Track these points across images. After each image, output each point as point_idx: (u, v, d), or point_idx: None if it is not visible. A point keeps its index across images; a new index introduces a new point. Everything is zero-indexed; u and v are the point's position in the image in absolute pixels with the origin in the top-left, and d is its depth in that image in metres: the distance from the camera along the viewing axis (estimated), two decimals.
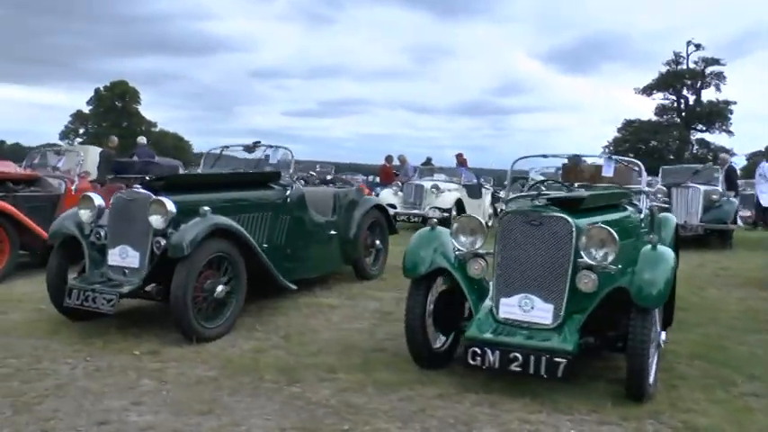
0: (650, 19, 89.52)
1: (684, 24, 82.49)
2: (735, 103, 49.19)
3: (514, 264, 4.13)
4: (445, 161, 19.11)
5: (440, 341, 4.46)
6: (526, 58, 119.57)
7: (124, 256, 4.98)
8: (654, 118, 52.84)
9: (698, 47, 50.25)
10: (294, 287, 5.72)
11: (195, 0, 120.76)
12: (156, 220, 4.80)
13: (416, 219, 13.01)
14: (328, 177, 7.37)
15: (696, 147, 50.67)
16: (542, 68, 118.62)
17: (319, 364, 4.35)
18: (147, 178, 5.92)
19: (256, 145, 6.57)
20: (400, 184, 14.35)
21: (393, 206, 13.38)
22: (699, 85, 51.06)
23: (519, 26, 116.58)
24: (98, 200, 5.20)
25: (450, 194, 13.42)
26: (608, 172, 5.80)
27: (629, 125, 53.59)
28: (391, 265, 7.83)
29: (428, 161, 19.08)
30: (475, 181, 14.78)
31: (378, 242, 7.48)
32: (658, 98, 52.82)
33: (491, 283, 4.20)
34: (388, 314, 5.79)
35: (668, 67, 51.61)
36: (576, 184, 5.93)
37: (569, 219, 4.05)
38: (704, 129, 51.24)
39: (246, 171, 6.56)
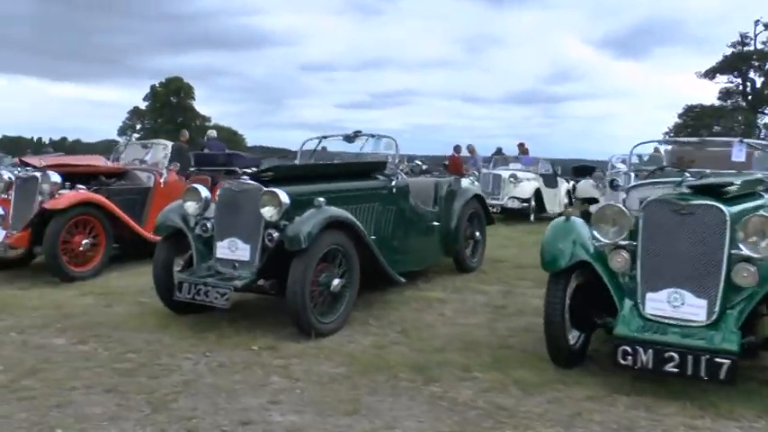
0: (705, 2, 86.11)
1: (741, 6, 78.84)
2: None
3: (661, 256, 3.81)
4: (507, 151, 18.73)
5: (572, 338, 4.19)
6: (579, 45, 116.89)
7: (233, 249, 4.85)
8: (717, 102, 50.89)
9: (767, 26, 48.10)
10: (403, 280, 5.52)
11: None
12: (269, 212, 4.65)
13: (495, 209, 12.69)
14: (424, 167, 7.13)
15: (764, 131, 48.58)
16: (595, 54, 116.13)
17: (450, 361, 4.13)
18: (253, 170, 5.77)
19: (357, 135, 6.38)
20: (477, 174, 14.06)
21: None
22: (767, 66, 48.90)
23: (571, 12, 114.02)
24: (204, 192, 5.08)
25: (528, 184, 13.06)
26: (739, 157, 5.39)
27: (690, 110, 51.74)
28: (488, 256, 7.60)
29: (498, 151, 18.70)
30: (550, 170, 14.36)
31: (477, 233, 7.22)
32: (722, 81, 50.80)
33: (635, 277, 3.90)
34: (501, 308, 5.55)
35: (733, 49, 49.54)
36: (688, 171, 5.50)
37: (723, 207, 3.72)
38: None
39: (353, 161, 6.38)
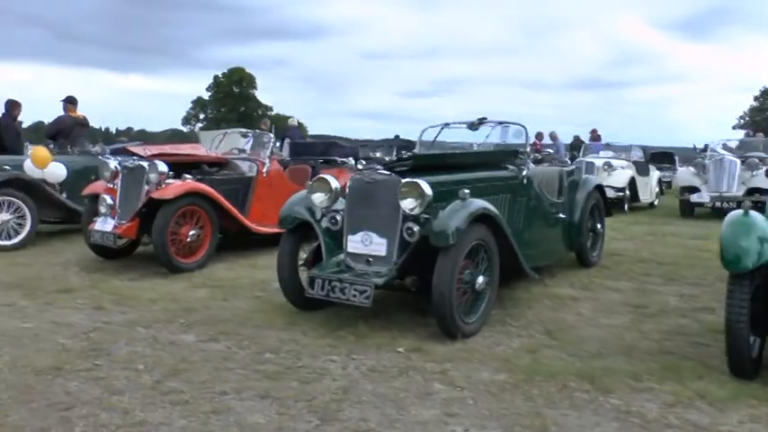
0: None
1: None
2: None
3: None
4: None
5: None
6: (644, 26, 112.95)
7: (367, 243, 4.57)
8: None
9: None
10: (537, 276, 5.17)
11: None
12: (410, 204, 4.35)
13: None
14: (539, 156, 6.73)
15: None
16: (660, 37, 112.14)
17: (615, 369, 3.76)
18: (388, 159, 5.48)
19: (482, 121, 6.01)
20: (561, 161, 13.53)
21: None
22: None
23: None
24: (334, 183, 4.82)
25: (623, 172, 12.47)
26: None
27: (767, 93, 49.55)
28: (604, 250, 7.17)
29: (577, 138, 18.08)
30: (642, 157, 13.71)
31: (598, 226, 6.80)
32: None
33: None
34: (642, 308, 5.14)
35: None
36: None
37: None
38: None
39: (486, 150, 6.03)
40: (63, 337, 4.36)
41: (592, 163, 12.49)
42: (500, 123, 6.10)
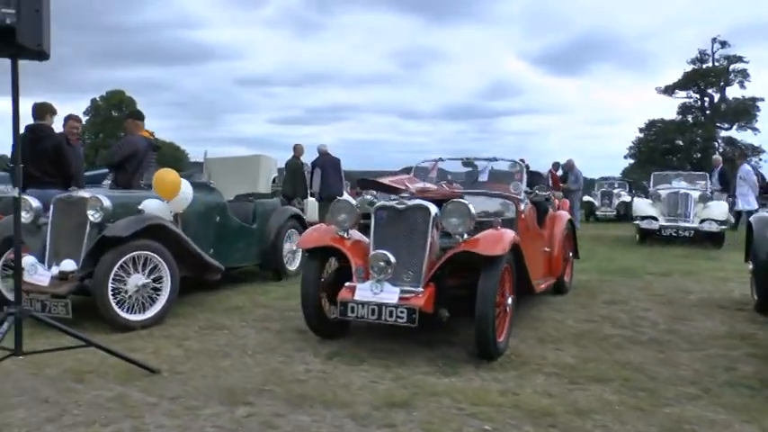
0: (640, 18, 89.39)
1: (675, 23, 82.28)
2: (762, 99, 48.68)
3: None
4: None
5: None
6: (515, 61, 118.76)
7: None
8: (677, 117, 52.30)
9: (723, 44, 49.86)
10: None
11: (183, 9, 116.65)
12: None
13: (688, 233, 11.26)
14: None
15: (723, 145, 50.12)
16: (531, 70, 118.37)
17: None
18: None
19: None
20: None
21: (654, 218, 11.61)
22: (722, 83, 50.57)
23: (508, 28, 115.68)
24: None
25: (719, 204, 11.68)
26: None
27: (652, 125, 52.98)
28: None
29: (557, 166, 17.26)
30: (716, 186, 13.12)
31: None
32: (681, 97, 52.22)
33: None
34: None
35: (693, 66, 51.07)
36: None
37: None
38: (729, 127, 50.79)
39: None
40: None
41: (686, 194, 11.62)
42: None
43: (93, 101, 59.53)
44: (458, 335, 5.05)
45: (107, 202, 5.49)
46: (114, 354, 4.09)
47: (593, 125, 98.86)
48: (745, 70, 49.67)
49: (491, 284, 4.35)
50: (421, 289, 4.49)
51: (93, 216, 5.49)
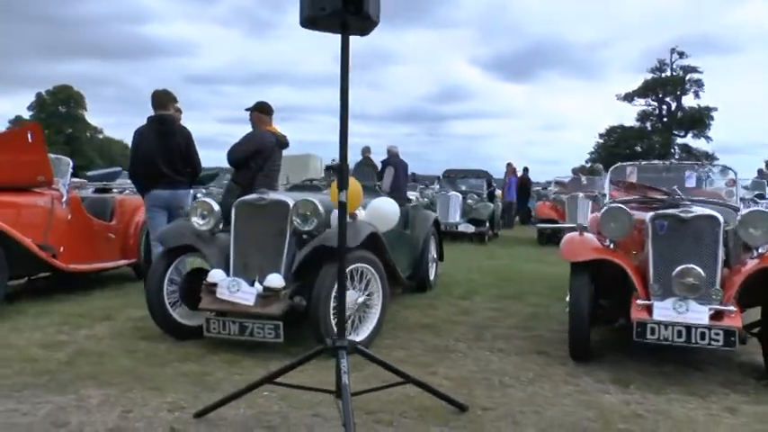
0: (589, 28, 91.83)
1: (623, 34, 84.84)
2: (716, 109, 50.49)
3: None
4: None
5: None
6: (466, 65, 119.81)
7: None
8: (636, 124, 53.75)
9: (681, 54, 51.50)
10: None
11: (133, 2, 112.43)
12: None
13: None
14: None
15: (679, 152, 51.73)
16: (481, 76, 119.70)
17: None
18: None
19: None
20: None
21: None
22: (678, 92, 52.23)
23: (460, 33, 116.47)
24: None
25: None
26: None
27: (612, 132, 54.27)
28: None
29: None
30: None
31: None
32: (641, 104, 53.66)
33: None
34: None
35: (653, 75, 52.57)
36: None
37: None
38: (684, 134, 52.51)
39: None
40: None
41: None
42: None
43: (39, 95, 56.49)
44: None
45: (321, 208, 4.76)
46: (431, 390, 3.45)
47: (542, 130, 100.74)
48: (700, 80, 51.54)
49: None
50: (732, 308, 4.03)
51: (301, 224, 4.77)
